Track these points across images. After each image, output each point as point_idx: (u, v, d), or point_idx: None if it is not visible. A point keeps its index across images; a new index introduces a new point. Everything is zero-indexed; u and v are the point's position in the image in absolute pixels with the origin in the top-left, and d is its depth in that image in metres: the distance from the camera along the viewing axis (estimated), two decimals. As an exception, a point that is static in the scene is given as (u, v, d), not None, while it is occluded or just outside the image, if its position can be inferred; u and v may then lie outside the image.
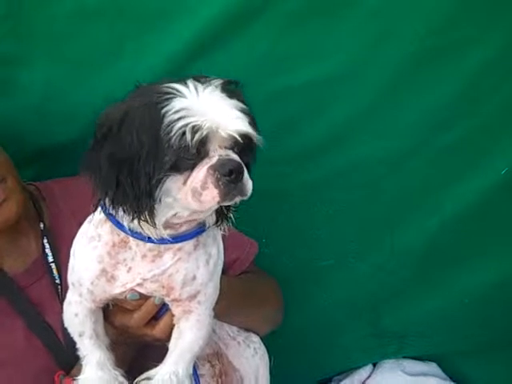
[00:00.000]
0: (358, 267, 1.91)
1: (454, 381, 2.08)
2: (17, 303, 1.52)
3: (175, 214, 1.16)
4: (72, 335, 1.31)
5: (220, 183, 1.10)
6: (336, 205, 1.82)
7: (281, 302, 1.76)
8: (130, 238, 1.20)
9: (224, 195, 1.11)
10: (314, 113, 1.72)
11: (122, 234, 1.20)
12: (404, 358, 2.10)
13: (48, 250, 1.54)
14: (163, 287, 1.24)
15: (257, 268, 1.74)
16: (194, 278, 1.25)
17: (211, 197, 1.10)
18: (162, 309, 1.32)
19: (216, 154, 1.11)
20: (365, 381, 2.07)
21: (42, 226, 1.56)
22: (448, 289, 1.92)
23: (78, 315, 1.29)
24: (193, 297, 1.26)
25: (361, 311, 1.99)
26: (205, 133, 1.07)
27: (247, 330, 1.62)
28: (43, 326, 1.52)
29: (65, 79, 1.65)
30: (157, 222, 1.14)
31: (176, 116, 1.07)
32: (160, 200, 1.12)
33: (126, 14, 1.59)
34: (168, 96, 1.09)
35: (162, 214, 1.15)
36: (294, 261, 1.90)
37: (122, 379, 1.31)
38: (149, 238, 1.18)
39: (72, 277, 1.29)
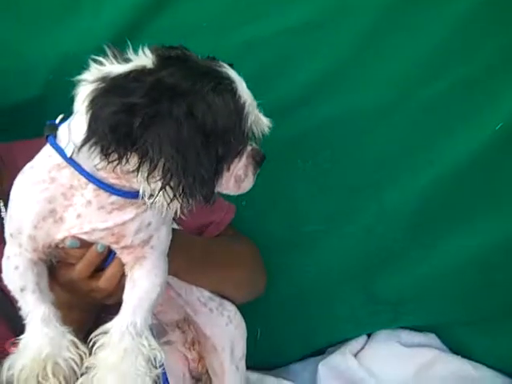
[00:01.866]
0: (346, 231, 1.82)
1: (453, 352, 1.97)
2: None
3: None
4: (13, 292, 1.22)
5: (254, 170, 1.19)
6: (318, 164, 1.72)
7: (259, 268, 1.67)
8: (90, 185, 1.13)
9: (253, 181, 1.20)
10: (290, 64, 1.62)
11: (83, 180, 1.13)
12: (401, 328, 2.00)
13: (4, 214, 1.42)
14: (112, 235, 1.17)
15: (235, 232, 1.66)
16: (149, 224, 1.19)
17: (249, 183, 1.19)
18: (108, 258, 1.23)
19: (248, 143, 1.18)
20: (357, 352, 1.97)
21: None
22: (443, 252, 1.81)
23: (18, 268, 1.20)
24: (146, 242, 1.19)
25: (351, 278, 1.90)
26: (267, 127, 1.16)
27: (222, 296, 1.52)
28: None
29: (20, 34, 1.58)
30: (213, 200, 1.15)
31: (250, 107, 1.11)
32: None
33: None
34: (234, 85, 1.11)
35: None
36: (276, 226, 1.82)
37: (70, 337, 1.20)
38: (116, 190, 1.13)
39: (10, 226, 1.21)
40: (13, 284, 1.22)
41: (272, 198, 1.78)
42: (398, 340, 1.98)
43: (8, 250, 1.22)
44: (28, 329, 1.20)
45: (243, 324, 1.55)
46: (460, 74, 1.62)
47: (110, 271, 1.23)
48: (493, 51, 1.59)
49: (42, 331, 1.18)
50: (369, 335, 2.02)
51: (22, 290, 1.20)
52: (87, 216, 1.15)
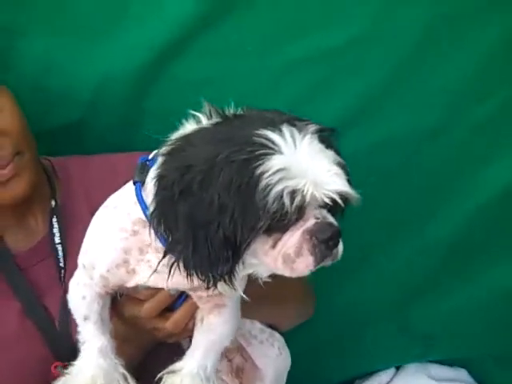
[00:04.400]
0: (383, 262, 1.78)
1: (484, 388, 1.95)
2: (15, 283, 1.44)
3: (252, 272, 1.09)
4: (76, 318, 1.22)
5: (317, 250, 1.01)
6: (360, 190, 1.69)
7: (309, 298, 1.63)
8: None
9: (318, 263, 1.02)
10: (334, 85, 1.58)
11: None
12: (430, 362, 1.99)
13: (56, 230, 1.45)
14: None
15: None
16: None
17: (305, 265, 1.02)
18: (179, 300, 1.21)
19: (311, 215, 1.01)
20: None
21: (53, 203, 1.46)
22: (480, 284, 1.78)
23: (85, 298, 1.21)
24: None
25: (384, 309, 1.86)
26: (308, 198, 0.98)
27: (270, 326, 1.49)
28: (40, 310, 1.44)
29: (64, 50, 1.55)
30: (235, 281, 1.05)
31: (274, 178, 0.96)
32: (243, 262, 1.03)
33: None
34: (263, 151, 0.97)
35: (240, 273, 1.06)
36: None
37: (122, 370, 1.20)
38: None
39: (85, 258, 1.20)
40: (78, 312, 1.23)
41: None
42: (427, 373, 1.97)
43: (79, 276, 1.23)
44: (83, 356, 1.20)
45: (289, 356, 1.51)
46: (509, 93, 1.57)
47: (180, 314, 1.22)
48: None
49: (97, 361, 1.18)
50: (398, 367, 2.00)
51: (85, 318, 1.21)
52: (164, 274, 1.10)
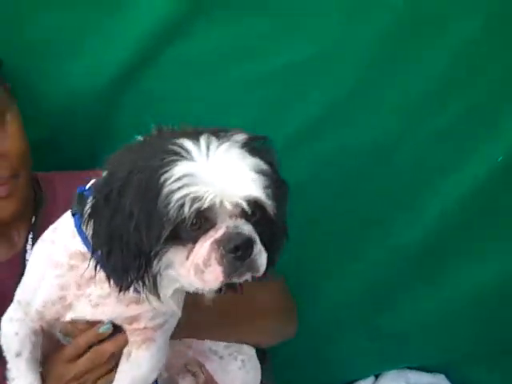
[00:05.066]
0: (352, 267, 1.81)
1: (462, 393, 1.96)
2: None
3: (180, 288, 1.08)
4: (7, 355, 1.21)
5: (224, 260, 1.00)
6: (323, 198, 1.73)
7: (286, 315, 1.61)
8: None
9: (229, 274, 1.00)
10: (293, 99, 1.63)
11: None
12: (409, 368, 2.00)
13: (29, 247, 1.47)
14: (126, 318, 1.15)
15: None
16: (165, 311, 1.15)
17: (215, 276, 1.00)
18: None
19: (224, 225, 1.00)
20: (368, 392, 1.97)
21: (33, 219, 1.49)
22: (450, 286, 1.82)
23: (18, 334, 1.21)
24: (160, 326, 1.17)
25: (357, 313, 1.89)
26: (206, 205, 0.96)
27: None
28: None
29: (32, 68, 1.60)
30: (161, 296, 1.05)
31: (176, 185, 0.96)
32: (161, 273, 1.02)
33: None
34: (173, 158, 0.97)
35: (166, 287, 1.06)
36: (283, 264, 1.79)
37: None
38: None
39: (20, 294, 1.21)
40: (10, 348, 1.22)
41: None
42: (406, 380, 1.98)
43: (12, 312, 1.23)
44: None
45: (258, 368, 1.49)
46: (461, 107, 1.63)
47: (110, 345, 1.20)
48: (491, 86, 1.61)
49: None
50: (377, 376, 2.01)
51: (17, 355, 1.21)
52: (104, 306, 1.13)
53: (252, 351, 1.48)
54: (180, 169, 0.96)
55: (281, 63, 1.60)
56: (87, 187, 1.14)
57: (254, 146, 1.03)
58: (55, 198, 1.53)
